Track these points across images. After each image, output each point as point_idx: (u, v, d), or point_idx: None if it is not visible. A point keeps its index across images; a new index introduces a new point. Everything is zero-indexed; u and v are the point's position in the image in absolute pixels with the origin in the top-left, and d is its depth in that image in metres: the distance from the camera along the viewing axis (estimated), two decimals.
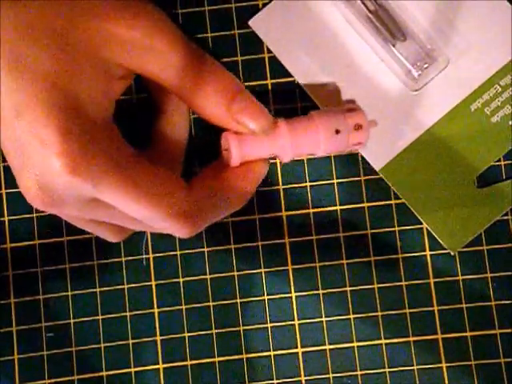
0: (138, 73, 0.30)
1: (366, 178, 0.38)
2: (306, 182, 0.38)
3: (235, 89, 0.30)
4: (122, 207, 0.28)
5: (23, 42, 0.25)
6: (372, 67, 0.37)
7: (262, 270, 0.38)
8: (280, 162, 0.38)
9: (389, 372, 0.37)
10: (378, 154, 0.37)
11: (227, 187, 0.31)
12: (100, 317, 0.38)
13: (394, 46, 0.36)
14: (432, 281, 0.38)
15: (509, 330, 0.37)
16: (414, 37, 0.36)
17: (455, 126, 0.37)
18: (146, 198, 0.28)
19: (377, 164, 0.37)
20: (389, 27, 0.35)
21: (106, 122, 0.28)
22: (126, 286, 0.38)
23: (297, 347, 0.38)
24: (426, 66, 0.36)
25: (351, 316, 0.38)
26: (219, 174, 0.32)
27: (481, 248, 0.38)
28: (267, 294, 0.38)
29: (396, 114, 0.37)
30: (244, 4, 0.38)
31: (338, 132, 0.31)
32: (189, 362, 0.38)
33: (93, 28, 0.26)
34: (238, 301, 0.38)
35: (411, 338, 0.38)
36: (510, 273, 0.38)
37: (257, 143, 0.31)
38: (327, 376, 0.38)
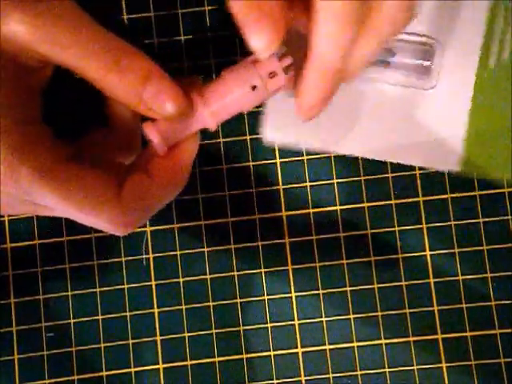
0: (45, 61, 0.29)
1: (366, 178, 0.38)
2: (306, 181, 0.38)
3: (146, 74, 0.28)
4: (55, 212, 0.29)
5: None
6: (382, 96, 0.37)
7: (262, 270, 0.38)
8: (280, 163, 0.38)
9: (389, 372, 0.37)
10: (446, 160, 0.37)
11: (160, 178, 0.30)
12: (100, 317, 0.38)
13: (388, 64, 0.36)
14: (432, 281, 0.38)
15: (509, 330, 0.37)
16: (403, 47, 0.36)
17: (487, 90, 0.37)
18: (77, 205, 0.28)
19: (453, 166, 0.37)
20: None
21: (34, 122, 0.28)
22: (125, 286, 0.38)
23: (297, 347, 0.38)
24: (428, 62, 0.36)
25: (351, 316, 0.38)
26: (151, 164, 0.30)
27: (481, 248, 0.38)
28: (267, 294, 0.38)
29: (428, 119, 0.37)
30: None
31: (254, 88, 0.30)
32: (189, 362, 0.38)
33: None
34: (238, 301, 0.38)
35: (411, 338, 0.38)
36: (509, 273, 0.38)
37: (176, 126, 0.30)
38: (327, 376, 0.38)
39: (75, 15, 0.28)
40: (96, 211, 0.28)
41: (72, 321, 0.38)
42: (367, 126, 0.37)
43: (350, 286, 0.38)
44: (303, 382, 0.38)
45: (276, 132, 0.38)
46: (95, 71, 0.27)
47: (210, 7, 0.38)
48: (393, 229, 0.38)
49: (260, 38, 0.26)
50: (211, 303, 0.38)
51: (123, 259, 0.38)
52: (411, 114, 0.37)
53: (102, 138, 0.32)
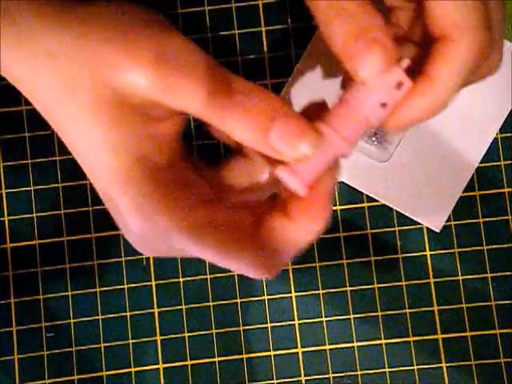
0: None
1: None
2: None
3: (271, 114, 0.25)
4: (194, 255, 0.27)
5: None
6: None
7: None
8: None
9: (389, 372, 0.37)
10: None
11: (301, 221, 0.27)
12: (100, 317, 0.38)
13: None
14: (432, 281, 0.38)
15: (509, 330, 0.37)
16: None
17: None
18: (211, 249, 0.26)
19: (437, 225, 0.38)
20: None
21: (168, 168, 0.27)
22: (125, 286, 0.38)
23: (297, 347, 0.38)
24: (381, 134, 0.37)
25: (351, 316, 0.38)
26: (290, 205, 0.28)
27: (481, 248, 0.38)
28: (267, 294, 0.38)
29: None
30: (244, 4, 0.38)
31: (384, 106, 0.28)
32: (189, 362, 0.38)
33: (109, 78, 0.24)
34: (238, 301, 0.38)
35: (411, 338, 0.38)
36: (509, 273, 0.38)
37: (311, 162, 0.27)
38: (327, 376, 0.38)
39: (189, 52, 0.25)
40: (231, 253, 0.26)
41: (72, 321, 0.38)
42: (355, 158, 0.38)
43: (350, 286, 0.38)
44: (303, 381, 0.38)
45: None
46: (219, 118, 0.25)
47: (209, 7, 0.38)
48: (393, 229, 0.38)
49: (372, 69, 0.25)
50: (211, 303, 0.38)
51: (123, 259, 0.38)
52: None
53: (238, 170, 0.30)
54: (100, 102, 0.25)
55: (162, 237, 0.26)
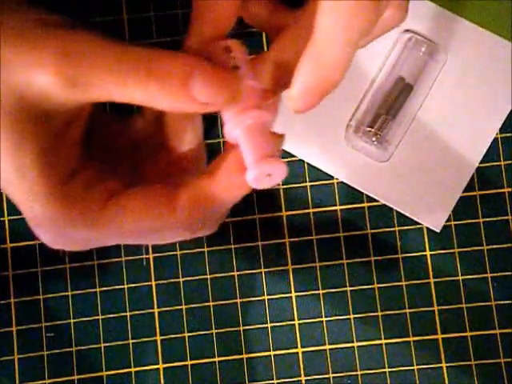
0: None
1: None
2: (305, 181, 0.38)
3: (187, 71, 0.25)
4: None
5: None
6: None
7: (262, 270, 0.38)
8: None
9: (389, 372, 0.37)
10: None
11: (221, 177, 0.28)
12: (100, 317, 0.38)
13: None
14: (432, 281, 0.38)
15: (509, 330, 0.37)
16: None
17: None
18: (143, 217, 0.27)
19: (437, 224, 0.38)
20: None
21: (79, 167, 0.28)
22: (125, 286, 0.38)
23: (297, 347, 0.38)
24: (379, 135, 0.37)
25: (351, 316, 0.38)
26: (213, 164, 0.28)
27: (481, 248, 0.38)
28: (267, 294, 0.38)
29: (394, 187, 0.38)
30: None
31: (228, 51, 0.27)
32: (189, 362, 0.38)
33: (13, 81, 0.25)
34: (238, 301, 0.38)
35: (411, 338, 0.38)
36: (509, 273, 0.38)
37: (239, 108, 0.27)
38: (327, 376, 0.38)
39: (94, 44, 0.26)
40: (149, 221, 0.27)
41: (72, 321, 0.38)
42: (351, 157, 0.38)
43: (350, 286, 0.38)
44: (303, 381, 0.38)
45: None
46: (134, 91, 0.25)
47: None
48: (393, 229, 0.38)
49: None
50: (211, 303, 0.38)
51: (123, 259, 0.38)
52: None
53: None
54: (4, 106, 0.25)
55: (61, 229, 0.27)
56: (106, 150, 0.30)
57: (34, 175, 0.26)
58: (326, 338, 0.38)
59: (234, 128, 0.27)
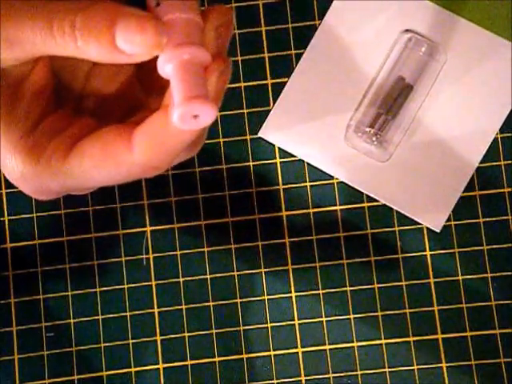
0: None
1: None
2: (305, 181, 0.38)
3: (110, 18, 0.25)
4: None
5: None
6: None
7: (262, 270, 0.38)
8: (280, 163, 0.38)
9: (389, 372, 0.37)
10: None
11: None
12: (100, 317, 0.38)
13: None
14: (432, 281, 0.38)
15: (509, 330, 0.37)
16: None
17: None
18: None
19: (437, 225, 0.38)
20: None
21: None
22: (125, 286, 0.38)
23: (297, 347, 0.38)
24: (378, 137, 0.37)
25: (351, 316, 0.38)
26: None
27: (481, 248, 0.38)
28: (267, 294, 0.38)
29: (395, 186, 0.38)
30: (244, 4, 0.38)
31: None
32: (189, 362, 0.38)
33: None
34: (238, 301, 0.38)
35: (411, 338, 0.38)
36: (509, 273, 0.38)
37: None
38: (327, 376, 0.38)
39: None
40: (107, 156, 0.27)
41: (72, 321, 0.38)
42: (353, 158, 0.38)
43: (350, 286, 0.38)
44: (303, 381, 0.38)
45: (275, 132, 0.38)
46: (63, 44, 0.25)
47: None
48: (393, 229, 0.38)
49: None
50: (211, 303, 0.38)
51: (123, 259, 0.38)
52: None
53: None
54: None
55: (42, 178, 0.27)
56: (104, 92, 0.30)
57: None
58: (326, 338, 0.38)
59: (166, 62, 0.25)
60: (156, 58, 0.26)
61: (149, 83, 0.30)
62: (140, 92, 0.31)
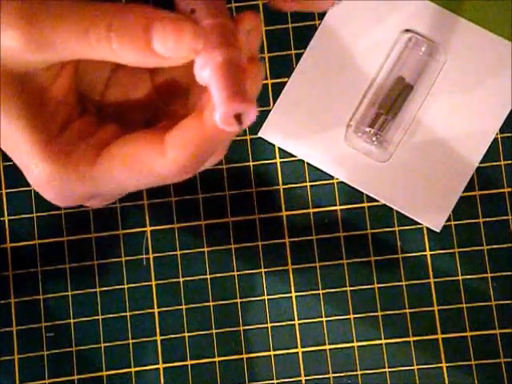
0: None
1: None
2: (306, 181, 0.38)
3: (145, 23, 0.25)
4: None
5: None
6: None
7: (262, 270, 0.38)
8: (280, 163, 0.38)
9: (389, 372, 0.37)
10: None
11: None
12: (100, 317, 0.38)
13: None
14: (432, 281, 0.38)
15: (509, 330, 0.37)
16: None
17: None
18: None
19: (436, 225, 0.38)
20: None
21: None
22: (125, 286, 0.38)
23: (297, 347, 0.38)
24: (378, 137, 0.37)
25: (351, 316, 0.38)
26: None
27: (481, 248, 0.38)
28: (267, 294, 0.38)
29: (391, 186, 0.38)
30: (244, 4, 0.38)
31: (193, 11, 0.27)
32: (189, 362, 0.38)
33: None
34: (238, 301, 0.38)
35: (411, 338, 0.38)
36: (509, 273, 0.38)
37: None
38: (327, 376, 0.38)
39: (52, 1, 0.25)
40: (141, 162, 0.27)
41: (72, 321, 0.38)
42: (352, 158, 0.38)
43: (350, 286, 0.38)
44: (303, 381, 0.38)
45: (275, 132, 0.38)
46: (98, 48, 0.25)
47: None
48: (393, 229, 0.38)
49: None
50: (211, 303, 0.38)
51: (123, 259, 0.38)
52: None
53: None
54: None
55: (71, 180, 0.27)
56: (123, 101, 0.30)
57: (23, 136, 0.26)
58: (326, 338, 0.38)
59: (203, 68, 0.25)
60: (172, 69, 0.26)
61: (167, 94, 0.30)
62: (159, 101, 0.31)
